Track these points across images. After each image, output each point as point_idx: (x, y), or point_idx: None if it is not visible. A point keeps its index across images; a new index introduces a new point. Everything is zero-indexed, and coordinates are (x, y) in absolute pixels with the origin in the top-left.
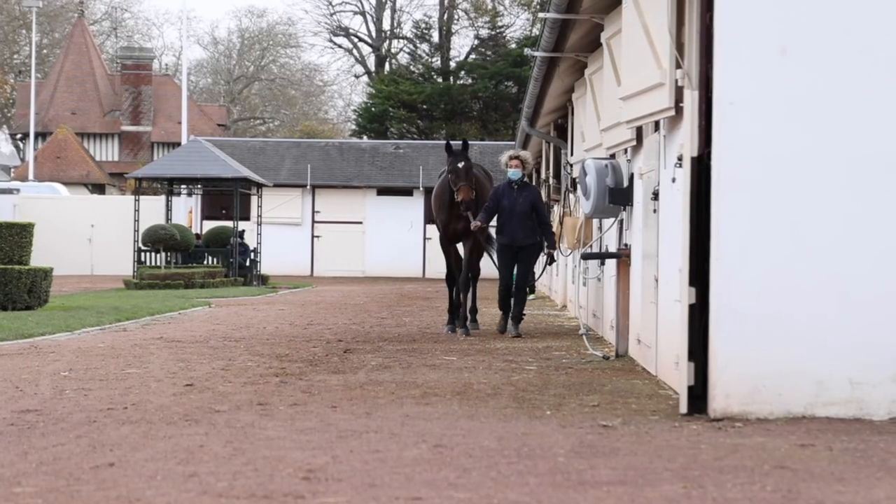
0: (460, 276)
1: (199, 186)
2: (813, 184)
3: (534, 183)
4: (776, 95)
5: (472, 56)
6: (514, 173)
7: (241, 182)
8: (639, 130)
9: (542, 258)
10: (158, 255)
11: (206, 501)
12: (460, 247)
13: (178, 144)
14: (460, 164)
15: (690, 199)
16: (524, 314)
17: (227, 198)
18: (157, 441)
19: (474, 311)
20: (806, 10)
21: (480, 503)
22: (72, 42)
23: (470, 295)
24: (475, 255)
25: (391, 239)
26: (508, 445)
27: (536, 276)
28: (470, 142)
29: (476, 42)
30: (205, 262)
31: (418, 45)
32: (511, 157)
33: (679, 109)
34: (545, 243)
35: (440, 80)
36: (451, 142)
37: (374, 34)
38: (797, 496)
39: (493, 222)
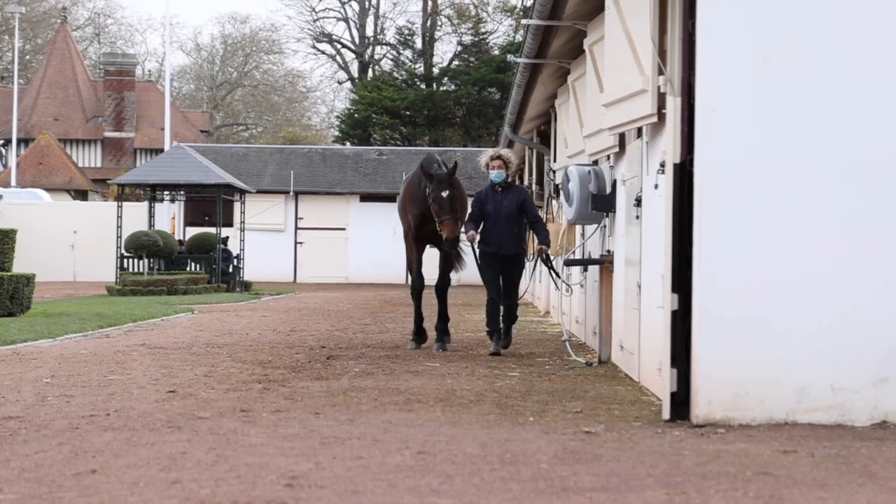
0: (437, 283)
1: (181, 193)
2: (796, 191)
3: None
4: (758, 102)
5: (456, 62)
6: (497, 175)
7: (224, 188)
8: (621, 137)
9: (530, 260)
10: (141, 262)
11: None
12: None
13: (161, 150)
14: (444, 194)
15: (673, 206)
16: (513, 328)
17: (210, 204)
18: (139, 448)
19: (445, 319)
20: (788, 17)
21: None
22: (54, 48)
23: (440, 304)
24: (451, 261)
25: (374, 245)
26: (491, 452)
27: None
28: (453, 148)
29: (459, 48)
30: (188, 269)
31: (401, 51)
32: (493, 158)
33: (661, 116)
34: (537, 244)
35: (423, 86)
36: (433, 163)
37: (357, 40)
38: (780, 502)
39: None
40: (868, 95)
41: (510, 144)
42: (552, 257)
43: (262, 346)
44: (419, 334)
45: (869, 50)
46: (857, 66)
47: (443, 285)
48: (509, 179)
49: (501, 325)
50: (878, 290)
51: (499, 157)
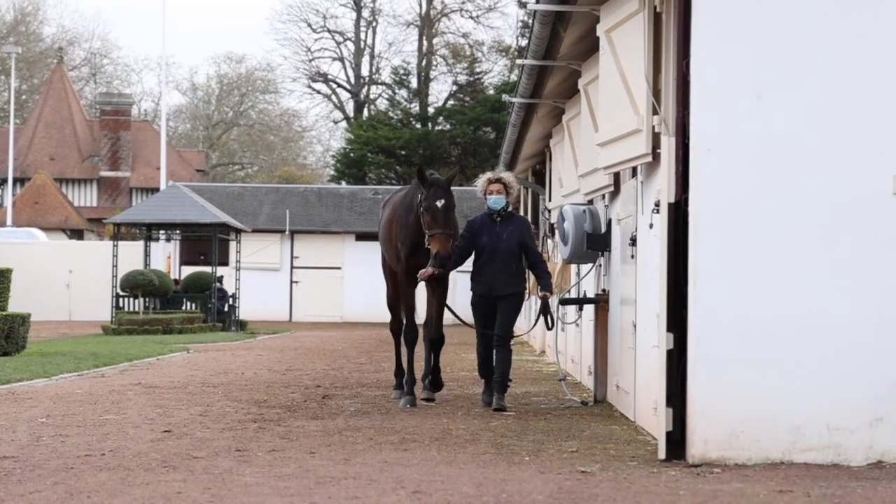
0: (428, 331)
1: (177, 232)
2: (791, 230)
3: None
4: (753, 141)
5: (451, 102)
6: (495, 201)
7: (219, 227)
8: (616, 176)
9: (530, 306)
10: (137, 301)
11: None
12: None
13: (157, 190)
14: (439, 203)
15: (668, 245)
16: (510, 380)
17: (205, 243)
18: (134, 488)
19: (437, 371)
20: (780, 56)
21: None
22: (51, 88)
23: (432, 355)
24: (443, 300)
25: (370, 284)
26: (487, 492)
27: (528, 329)
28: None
29: (454, 88)
30: (183, 308)
31: (397, 90)
32: (491, 181)
33: (656, 155)
34: (538, 288)
35: (419, 125)
36: (428, 171)
37: (352, 80)
38: None
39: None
40: (860, 135)
41: None
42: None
43: (258, 385)
44: (410, 377)
45: (860, 91)
46: (850, 107)
47: (438, 336)
48: (510, 208)
49: (494, 376)
50: (872, 330)
51: (498, 181)
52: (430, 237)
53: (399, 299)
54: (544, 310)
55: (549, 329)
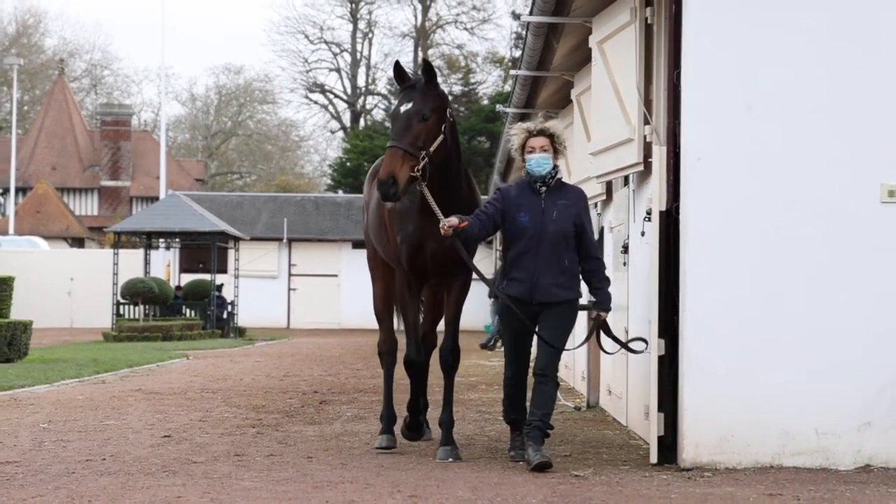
0: (443, 346)
1: (177, 240)
2: (781, 238)
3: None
4: (743, 151)
5: None
6: (538, 163)
7: (218, 236)
8: (608, 185)
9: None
10: (137, 308)
11: None
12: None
13: (157, 199)
14: (403, 108)
15: (659, 252)
16: (551, 426)
17: (204, 251)
18: (135, 492)
19: (450, 407)
20: (770, 68)
21: None
22: (52, 99)
23: (444, 384)
24: (461, 302)
25: (366, 291)
26: (482, 495)
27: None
28: None
29: (449, 98)
30: (183, 315)
31: (392, 101)
32: (531, 134)
33: (648, 164)
34: (594, 298)
35: None
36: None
37: (349, 90)
38: None
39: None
40: (849, 145)
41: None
42: None
43: (256, 391)
44: (417, 427)
45: (848, 101)
46: (838, 118)
47: (453, 352)
48: (559, 174)
49: (529, 417)
50: (861, 337)
51: (542, 133)
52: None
53: (393, 306)
54: (599, 328)
55: (607, 353)
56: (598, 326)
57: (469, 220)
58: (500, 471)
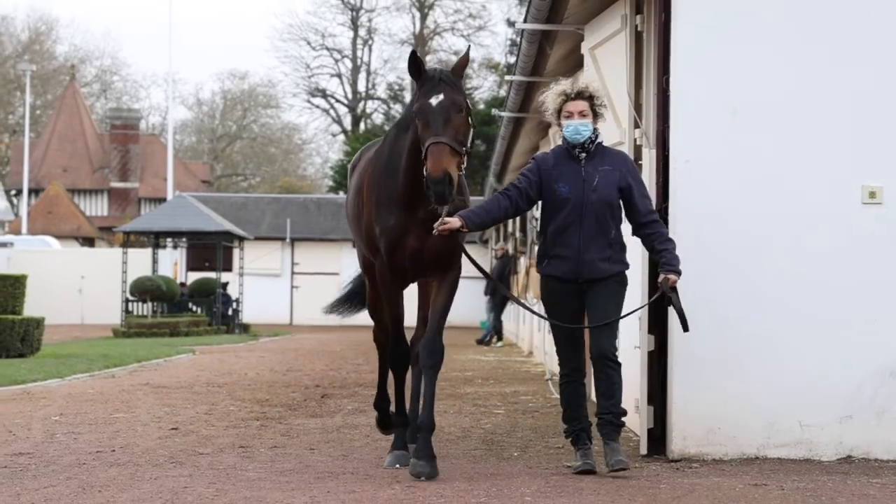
0: (421, 346)
1: (183, 239)
2: (765, 237)
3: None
4: (729, 153)
5: None
6: (577, 130)
7: (223, 235)
8: None
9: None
10: (145, 305)
11: None
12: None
13: (164, 200)
14: (434, 100)
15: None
16: (623, 417)
17: (210, 250)
18: (143, 482)
19: (430, 409)
20: (755, 74)
21: None
22: (63, 103)
23: (423, 383)
24: (450, 298)
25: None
26: (478, 486)
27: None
28: None
29: None
30: (189, 312)
31: (392, 105)
32: (569, 96)
33: (638, 167)
34: (661, 274)
35: None
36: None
37: (349, 95)
38: None
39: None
40: (831, 147)
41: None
42: (535, 300)
43: (260, 385)
44: (404, 418)
45: (829, 105)
46: (820, 121)
47: (433, 349)
48: (599, 138)
49: (599, 411)
50: (842, 334)
51: (579, 96)
52: (425, 152)
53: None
54: (672, 301)
55: (685, 330)
56: (667, 291)
57: (469, 214)
58: (495, 462)
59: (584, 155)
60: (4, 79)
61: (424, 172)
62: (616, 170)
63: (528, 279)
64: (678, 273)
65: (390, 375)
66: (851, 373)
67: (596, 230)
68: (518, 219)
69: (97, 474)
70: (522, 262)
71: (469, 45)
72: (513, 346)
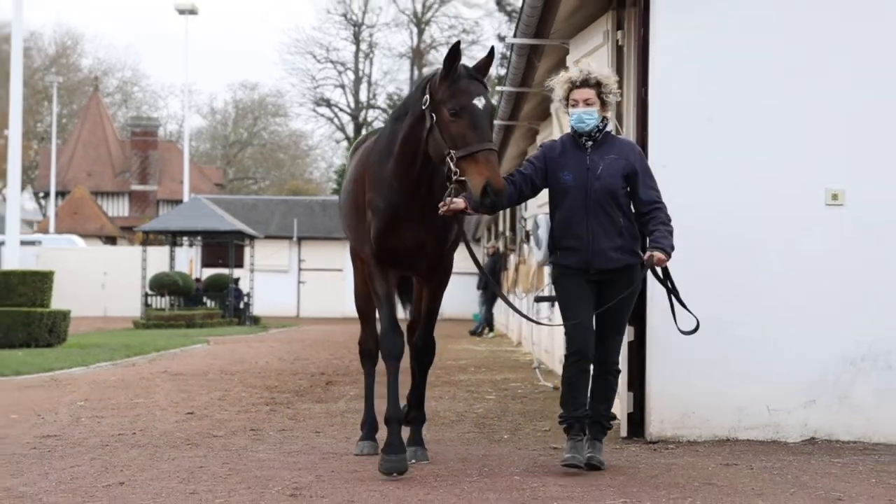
0: (416, 337)
1: (198, 238)
2: (736, 236)
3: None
4: (704, 158)
5: None
6: (581, 118)
7: (235, 234)
8: None
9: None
10: (163, 299)
11: None
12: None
13: (181, 201)
14: (479, 103)
15: None
16: (612, 422)
17: (223, 248)
18: (162, 462)
19: (421, 404)
20: (728, 84)
21: None
22: (88, 112)
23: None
24: (440, 293)
25: None
26: (471, 466)
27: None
28: None
29: None
30: (204, 305)
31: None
32: (575, 84)
33: None
34: (648, 252)
35: None
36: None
37: (352, 105)
38: None
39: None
40: (797, 153)
41: None
42: (524, 294)
43: (270, 373)
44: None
45: (797, 114)
46: (788, 128)
47: (426, 346)
48: (607, 127)
49: (588, 410)
50: (806, 325)
51: (586, 83)
52: (462, 160)
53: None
54: (663, 279)
55: (683, 306)
56: (651, 269)
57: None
58: (486, 444)
59: (590, 143)
60: (33, 90)
61: (470, 179)
62: (622, 158)
63: (517, 275)
64: (664, 251)
65: (376, 390)
66: (815, 361)
67: (604, 219)
68: (508, 219)
69: (119, 455)
70: (512, 259)
71: (493, 46)
72: (503, 337)
